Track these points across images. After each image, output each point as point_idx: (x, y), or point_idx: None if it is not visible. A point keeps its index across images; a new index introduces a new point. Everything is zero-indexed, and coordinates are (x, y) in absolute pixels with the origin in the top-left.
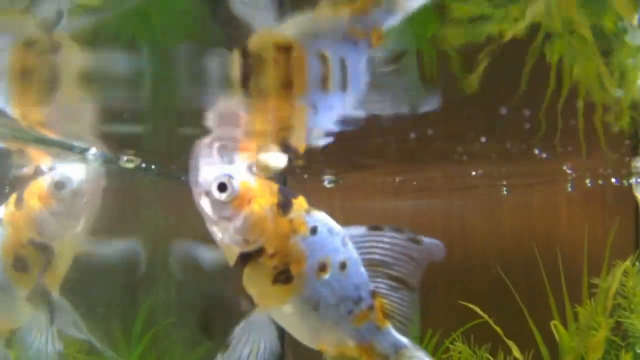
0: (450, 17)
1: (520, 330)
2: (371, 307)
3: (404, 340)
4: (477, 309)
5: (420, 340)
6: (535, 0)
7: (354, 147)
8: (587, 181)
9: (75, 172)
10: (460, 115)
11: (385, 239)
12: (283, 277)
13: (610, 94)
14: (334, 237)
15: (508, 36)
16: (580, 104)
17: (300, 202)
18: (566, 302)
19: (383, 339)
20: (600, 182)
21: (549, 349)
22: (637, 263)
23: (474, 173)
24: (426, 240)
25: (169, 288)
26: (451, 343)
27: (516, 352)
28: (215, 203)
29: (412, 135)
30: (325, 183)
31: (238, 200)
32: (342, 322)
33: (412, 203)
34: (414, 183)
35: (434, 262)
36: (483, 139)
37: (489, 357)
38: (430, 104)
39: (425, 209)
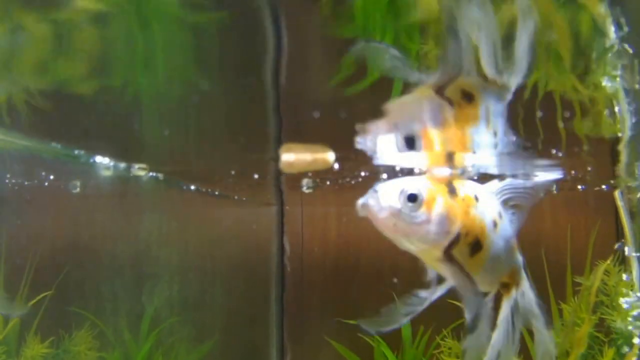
0: None
1: None
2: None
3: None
4: None
5: (412, 337)
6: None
7: None
8: (570, 186)
9: None
10: None
11: (510, 185)
12: (477, 247)
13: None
14: (487, 196)
15: None
16: (558, 108)
17: (455, 179)
18: (551, 299)
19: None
20: (581, 187)
21: None
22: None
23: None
24: (533, 183)
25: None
26: (442, 339)
27: None
28: (409, 216)
29: None
30: None
31: (427, 203)
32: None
33: None
34: None
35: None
36: None
37: None
38: None
39: None
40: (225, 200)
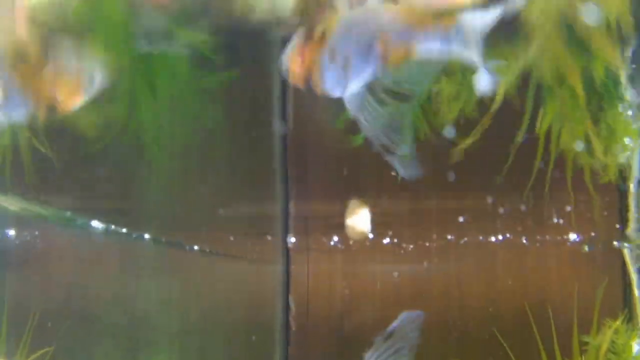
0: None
1: None
2: None
3: None
4: None
5: None
6: (526, 47)
7: None
8: (576, 242)
9: None
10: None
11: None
12: None
13: (597, 156)
14: None
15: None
16: (569, 170)
17: None
18: (558, 358)
19: None
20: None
21: None
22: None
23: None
24: (394, 326)
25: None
26: None
27: None
28: None
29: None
30: None
31: None
32: None
33: (410, 266)
34: (411, 247)
35: (417, 330)
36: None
37: None
38: (408, 169)
39: (423, 269)
40: (227, 259)
